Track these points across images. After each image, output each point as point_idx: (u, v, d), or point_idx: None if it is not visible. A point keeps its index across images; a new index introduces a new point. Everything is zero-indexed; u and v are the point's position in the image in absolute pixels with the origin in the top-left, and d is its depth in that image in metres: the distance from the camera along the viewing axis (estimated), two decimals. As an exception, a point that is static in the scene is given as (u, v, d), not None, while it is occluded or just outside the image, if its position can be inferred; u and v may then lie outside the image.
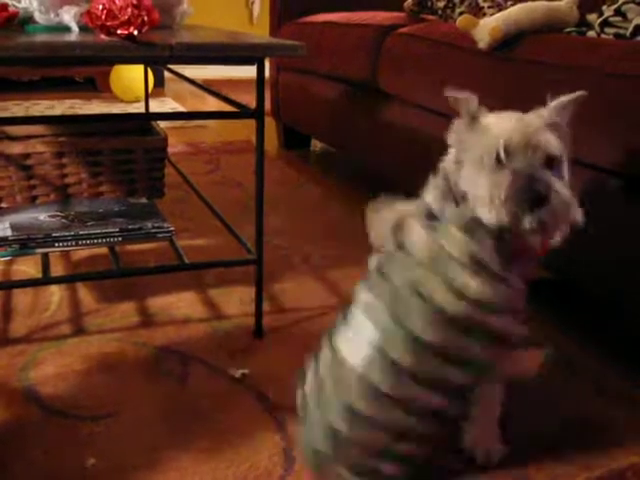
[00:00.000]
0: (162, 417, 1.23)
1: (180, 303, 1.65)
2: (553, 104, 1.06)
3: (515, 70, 1.61)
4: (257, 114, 1.30)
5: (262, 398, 1.29)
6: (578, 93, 1.06)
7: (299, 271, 1.88)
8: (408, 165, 2.11)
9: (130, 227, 1.52)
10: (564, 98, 1.06)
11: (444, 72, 1.90)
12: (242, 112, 1.36)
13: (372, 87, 2.35)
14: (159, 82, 5.29)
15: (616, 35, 1.62)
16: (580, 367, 1.43)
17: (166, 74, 5.51)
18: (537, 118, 1.04)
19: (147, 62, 2.08)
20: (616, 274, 1.39)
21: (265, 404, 1.28)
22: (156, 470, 1.09)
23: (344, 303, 1.63)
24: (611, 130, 1.35)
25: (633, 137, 1.30)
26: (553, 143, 1.00)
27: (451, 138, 1.09)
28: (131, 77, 4.28)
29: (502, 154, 0.98)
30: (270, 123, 3.52)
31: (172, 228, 1.55)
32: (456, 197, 1.05)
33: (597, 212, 1.22)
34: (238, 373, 1.36)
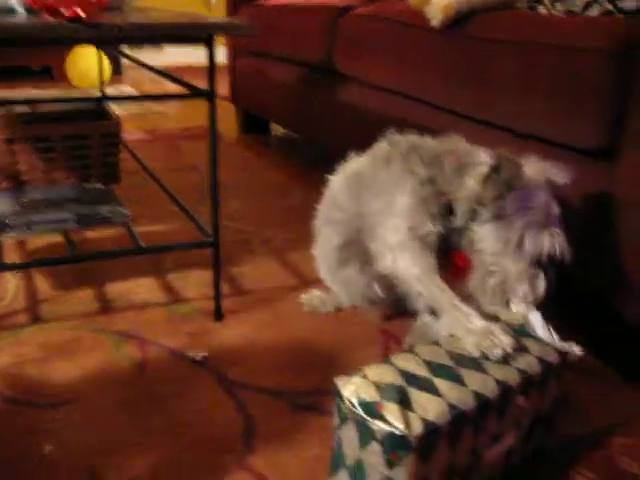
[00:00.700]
0: (122, 402, 1.22)
1: (139, 289, 1.64)
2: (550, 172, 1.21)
3: (467, 47, 1.62)
4: (209, 95, 1.29)
5: (222, 379, 1.29)
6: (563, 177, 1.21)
7: (259, 254, 1.88)
8: (367, 146, 2.11)
9: (85, 212, 1.51)
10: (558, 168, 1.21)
11: (398, 51, 1.91)
12: (194, 93, 1.35)
13: (329, 69, 2.34)
14: (116, 69, 5.22)
15: (567, 11, 1.63)
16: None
17: (124, 62, 5.45)
18: (555, 206, 1.19)
19: (95, 43, 2.04)
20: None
21: (225, 385, 1.27)
22: (116, 454, 1.08)
23: (304, 284, 1.66)
24: (560, 103, 1.37)
25: (582, 108, 1.31)
26: (564, 250, 1.19)
27: (484, 177, 1.18)
28: (87, 64, 4.22)
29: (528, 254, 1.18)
30: (229, 108, 3.51)
31: (128, 213, 1.54)
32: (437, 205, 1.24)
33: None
34: (198, 356, 1.35)
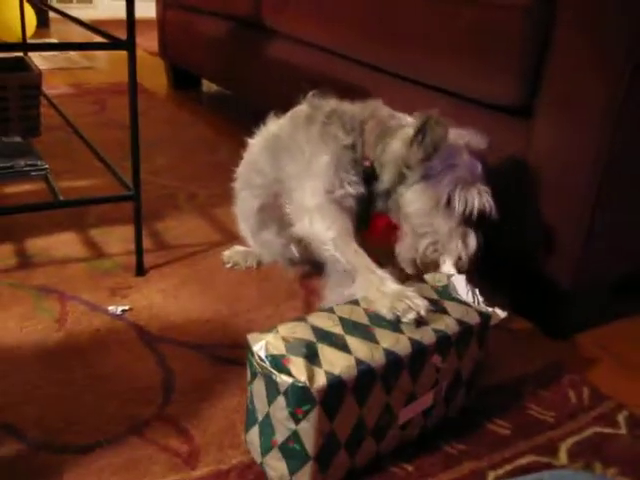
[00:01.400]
0: (39, 356, 1.20)
1: (60, 244, 1.61)
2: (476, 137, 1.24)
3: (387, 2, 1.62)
4: (127, 45, 1.27)
5: (142, 333, 1.29)
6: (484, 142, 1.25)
7: (184, 210, 1.86)
8: (295, 103, 2.10)
9: (1, 165, 1.46)
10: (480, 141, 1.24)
11: (321, 4, 1.89)
12: (112, 43, 1.32)
13: (257, 24, 2.31)
14: (43, 23, 5.06)
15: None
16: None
17: (53, 16, 5.28)
18: (479, 166, 1.21)
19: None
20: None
21: (146, 338, 1.27)
22: (34, 406, 1.07)
23: (228, 239, 1.65)
24: (478, 59, 1.38)
25: (500, 64, 1.33)
26: (491, 206, 1.20)
27: (410, 139, 1.18)
28: (12, 16, 4.06)
29: (457, 210, 1.18)
30: (160, 64, 3.45)
31: (46, 166, 1.51)
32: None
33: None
34: (118, 310, 1.34)
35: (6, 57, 2.03)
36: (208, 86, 3.47)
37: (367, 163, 1.24)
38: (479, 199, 1.19)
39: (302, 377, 0.86)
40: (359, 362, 0.90)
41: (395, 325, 0.99)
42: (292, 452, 0.91)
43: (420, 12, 1.49)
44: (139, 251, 1.47)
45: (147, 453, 0.99)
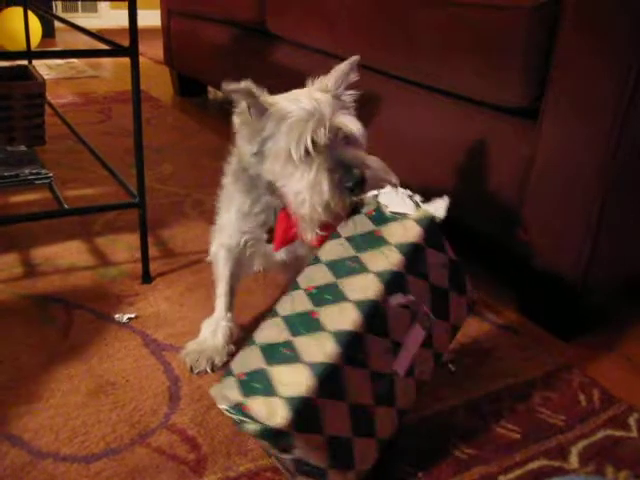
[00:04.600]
0: (44, 364, 1.20)
1: (65, 252, 1.61)
2: (334, 74, 1.12)
3: (388, 3, 1.61)
4: (130, 51, 1.26)
5: (148, 341, 1.28)
6: (353, 58, 1.14)
7: (190, 217, 1.86)
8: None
9: (6, 174, 1.47)
10: (342, 66, 1.13)
11: (326, 10, 1.89)
12: (115, 50, 1.31)
13: (262, 30, 2.31)
14: (49, 32, 5.09)
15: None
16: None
17: (58, 25, 5.31)
18: (326, 96, 1.07)
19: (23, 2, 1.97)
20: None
21: (151, 346, 1.26)
22: (38, 416, 1.07)
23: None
24: (483, 61, 1.37)
25: (505, 66, 1.32)
26: (350, 122, 1.04)
27: (240, 132, 1.09)
28: (17, 27, 4.09)
29: (311, 150, 1.01)
30: (165, 71, 3.45)
31: (51, 174, 1.51)
32: (259, 185, 1.11)
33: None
34: (124, 318, 1.34)
35: (10, 66, 2.04)
36: (214, 93, 3.47)
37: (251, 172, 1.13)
38: (316, 136, 1.01)
39: (264, 419, 0.81)
40: (314, 367, 0.84)
41: (338, 291, 0.91)
42: (311, 472, 0.88)
43: (425, 15, 1.48)
44: (145, 259, 1.47)
45: (154, 462, 0.99)
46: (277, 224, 1.12)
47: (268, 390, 0.83)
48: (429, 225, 0.96)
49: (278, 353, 0.87)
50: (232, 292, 1.29)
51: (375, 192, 1.01)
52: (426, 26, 1.47)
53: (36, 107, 1.75)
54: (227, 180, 1.23)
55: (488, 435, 1.08)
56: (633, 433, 1.10)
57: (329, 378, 0.84)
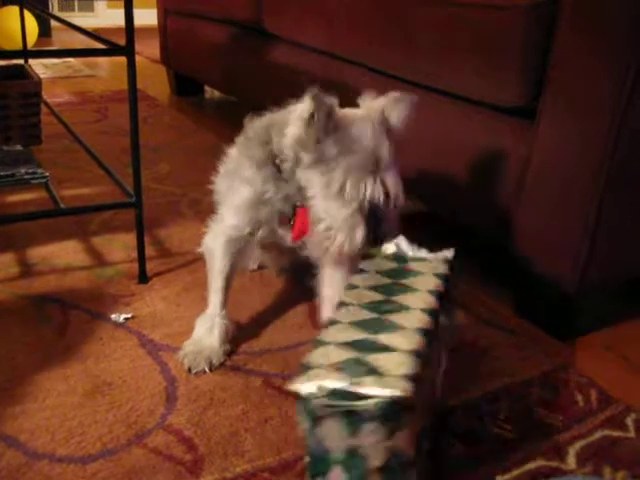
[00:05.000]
0: (40, 364, 1.19)
1: (62, 252, 1.60)
2: (397, 112, 1.14)
3: (387, 3, 1.61)
4: (127, 50, 1.26)
5: (145, 341, 1.28)
6: (414, 99, 1.15)
7: (187, 216, 1.85)
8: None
9: (2, 174, 1.46)
10: (404, 105, 1.15)
11: (322, 8, 1.89)
12: (111, 49, 1.31)
13: (258, 29, 2.31)
14: (45, 32, 5.08)
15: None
16: (469, 297, 1.47)
17: (54, 25, 5.30)
18: (386, 141, 1.10)
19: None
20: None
21: (148, 346, 1.26)
22: (34, 417, 1.06)
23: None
24: (482, 61, 1.37)
25: (504, 66, 1.32)
26: (396, 186, 1.10)
27: (300, 129, 1.09)
28: (13, 26, 4.09)
29: (349, 197, 1.08)
30: (162, 71, 3.45)
31: (47, 174, 1.50)
32: (284, 177, 1.17)
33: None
34: (121, 318, 1.33)
35: (6, 65, 2.03)
36: (211, 92, 3.47)
37: (277, 161, 1.18)
38: (374, 188, 1.08)
39: (385, 392, 0.77)
40: (409, 353, 0.82)
41: (399, 305, 0.93)
42: (392, 469, 0.83)
43: (423, 14, 1.48)
44: (141, 258, 1.47)
45: (150, 462, 0.98)
46: (297, 217, 1.18)
47: (374, 372, 0.80)
48: (449, 264, 1.03)
49: (365, 345, 0.85)
50: (228, 287, 1.28)
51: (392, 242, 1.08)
52: (424, 25, 1.47)
53: (32, 106, 1.75)
54: (238, 151, 1.31)
55: (485, 435, 1.08)
56: (631, 433, 1.10)
57: (420, 367, 0.82)
